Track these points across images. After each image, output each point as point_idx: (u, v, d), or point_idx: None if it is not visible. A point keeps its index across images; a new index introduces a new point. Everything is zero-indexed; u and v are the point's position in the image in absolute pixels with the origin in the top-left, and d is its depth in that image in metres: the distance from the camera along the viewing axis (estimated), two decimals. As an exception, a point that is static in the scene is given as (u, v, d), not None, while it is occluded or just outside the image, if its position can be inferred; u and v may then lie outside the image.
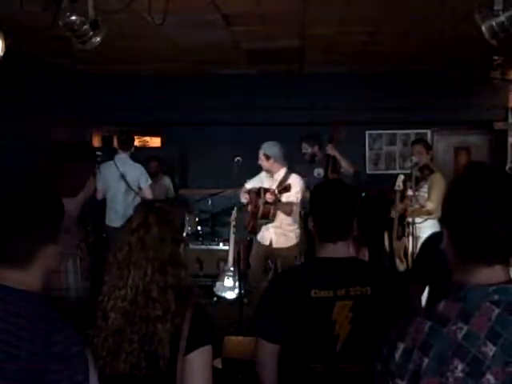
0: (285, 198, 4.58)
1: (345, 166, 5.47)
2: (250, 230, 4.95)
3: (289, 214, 4.67)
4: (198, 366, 1.67)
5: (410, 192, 5.12)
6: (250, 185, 4.99)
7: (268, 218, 4.69)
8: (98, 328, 1.67)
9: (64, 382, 1.44)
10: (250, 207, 4.86)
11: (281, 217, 4.69)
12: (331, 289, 1.91)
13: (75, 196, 2.22)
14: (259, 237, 4.86)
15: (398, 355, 1.26)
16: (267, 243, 4.76)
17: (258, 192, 4.77)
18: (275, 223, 4.72)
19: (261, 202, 4.68)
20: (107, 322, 1.67)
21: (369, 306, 1.92)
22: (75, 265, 2.12)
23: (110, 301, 1.68)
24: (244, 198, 4.93)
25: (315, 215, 2.06)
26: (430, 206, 5.01)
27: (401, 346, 1.26)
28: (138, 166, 5.76)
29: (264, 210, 4.67)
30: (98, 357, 1.65)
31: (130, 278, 1.68)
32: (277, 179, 4.77)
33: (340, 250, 2.00)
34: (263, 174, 4.92)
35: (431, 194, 5.08)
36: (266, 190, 4.66)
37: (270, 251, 4.81)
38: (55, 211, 1.66)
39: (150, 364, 1.64)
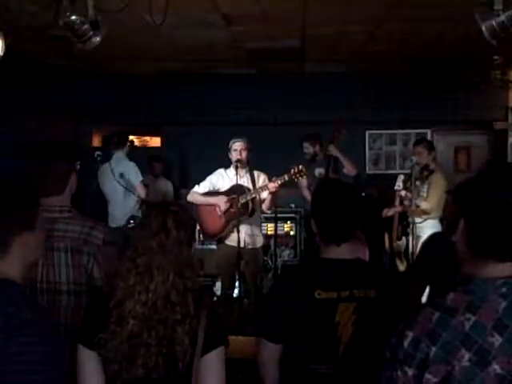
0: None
1: (347, 167, 5.46)
2: (222, 235, 4.66)
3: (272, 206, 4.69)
4: (213, 366, 1.68)
5: (402, 193, 5.12)
6: (206, 187, 4.70)
7: (253, 214, 4.58)
8: (112, 333, 1.64)
9: (36, 365, 1.43)
10: (219, 210, 4.60)
11: (255, 215, 4.63)
12: (335, 290, 1.90)
13: (59, 195, 2.23)
14: (229, 240, 4.62)
15: (406, 343, 1.29)
16: (240, 245, 4.41)
17: (238, 190, 4.49)
18: (247, 222, 4.58)
19: (243, 199, 4.48)
20: (123, 327, 1.64)
21: (372, 308, 1.91)
22: (68, 258, 2.16)
23: (129, 306, 1.66)
24: (215, 201, 4.62)
25: (318, 217, 2.04)
26: (425, 205, 4.99)
27: (410, 335, 1.29)
28: (131, 163, 5.75)
29: (253, 206, 4.55)
30: (113, 361, 1.64)
31: (152, 283, 1.67)
32: (244, 175, 4.65)
33: (344, 251, 1.98)
34: (225, 173, 4.70)
35: (429, 194, 5.07)
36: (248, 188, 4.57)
37: (240, 254, 4.42)
38: (28, 198, 1.64)
39: (168, 367, 1.64)
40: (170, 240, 1.70)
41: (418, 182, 5.14)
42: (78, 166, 2.42)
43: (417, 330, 1.28)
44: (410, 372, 1.27)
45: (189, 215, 1.85)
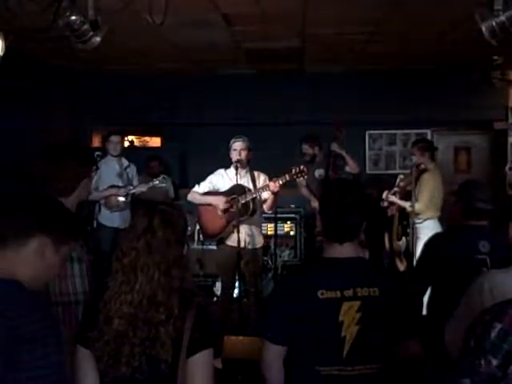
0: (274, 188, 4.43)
1: (351, 164, 5.47)
2: (222, 235, 4.63)
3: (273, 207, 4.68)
4: (199, 368, 1.67)
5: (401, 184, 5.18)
6: (206, 187, 4.69)
7: (253, 215, 4.55)
8: (100, 331, 1.66)
9: (33, 363, 1.43)
10: (219, 210, 4.57)
11: (255, 216, 4.60)
12: (338, 289, 1.90)
13: (67, 196, 2.20)
14: (229, 240, 4.59)
15: (493, 334, 1.33)
16: (240, 245, 4.35)
17: (238, 190, 4.48)
18: (248, 223, 4.55)
19: (243, 199, 4.46)
20: (110, 326, 1.66)
21: (376, 306, 1.91)
22: (81, 268, 2.11)
23: (115, 305, 1.67)
24: (214, 201, 4.60)
25: (323, 214, 2.04)
26: (416, 206, 4.97)
27: (498, 326, 1.33)
28: None
29: (254, 206, 4.53)
30: (100, 360, 1.65)
31: (137, 283, 1.68)
32: (245, 175, 4.62)
33: (347, 250, 1.97)
34: (225, 173, 4.68)
35: (418, 195, 5.07)
36: (249, 189, 4.54)
37: (240, 254, 4.39)
38: (50, 205, 1.67)
39: (151, 368, 1.64)
40: (157, 240, 1.70)
41: (408, 179, 5.16)
42: (94, 173, 2.39)
43: (506, 321, 1.33)
44: (495, 362, 1.31)
45: (179, 215, 1.83)
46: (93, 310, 1.71)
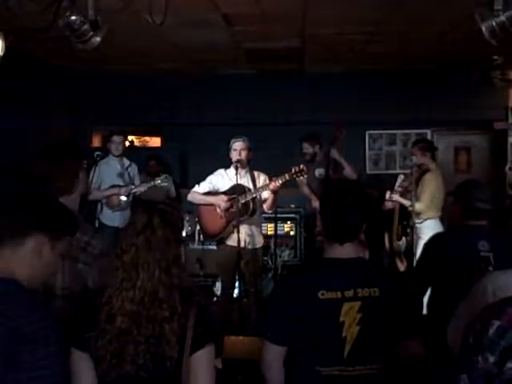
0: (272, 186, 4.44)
1: (348, 171, 5.47)
2: (222, 235, 4.62)
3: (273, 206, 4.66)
4: (202, 364, 1.68)
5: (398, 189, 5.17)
6: (206, 187, 4.69)
7: (253, 214, 4.55)
8: (102, 331, 1.65)
9: (35, 363, 1.44)
10: (219, 210, 4.57)
11: (255, 216, 4.61)
12: (339, 290, 1.90)
13: (69, 195, 2.24)
14: (229, 240, 4.59)
15: (492, 331, 1.35)
16: (240, 245, 4.35)
17: (238, 190, 4.49)
18: (248, 223, 4.55)
19: (243, 199, 4.47)
20: (112, 325, 1.65)
21: (377, 307, 1.90)
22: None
23: (117, 303, 1.67)
24: (215, 200, 4.59)
25: (323, 214, 2.03)
26: (417, 206, 4.98)
27: (496, 324, 1.35)
28: None
29: (254, 206, 4.54)
30: (102, 360, 1.64)
31: (138, 280, 1.68)
32: (244, 175, 4.63)
33: (347, 250, 1.97)
34: (225, 173, 4.69)
35: (420, 195, 5.07)
36: (249, 188, 4.54)
37: (240, 254, 4.40)
38: (54, 207, 1.68)
39: (156, 365, 1.64)
40: (156, 238, 1.71)
41: (409, 179, 5.16)
42: (85, 165, 2.43)
43: (504, 319, 1.34)
44: (492, 359, 1.32)
45: (178, 214, 1.86)
46: (88, 310, 1.70)
